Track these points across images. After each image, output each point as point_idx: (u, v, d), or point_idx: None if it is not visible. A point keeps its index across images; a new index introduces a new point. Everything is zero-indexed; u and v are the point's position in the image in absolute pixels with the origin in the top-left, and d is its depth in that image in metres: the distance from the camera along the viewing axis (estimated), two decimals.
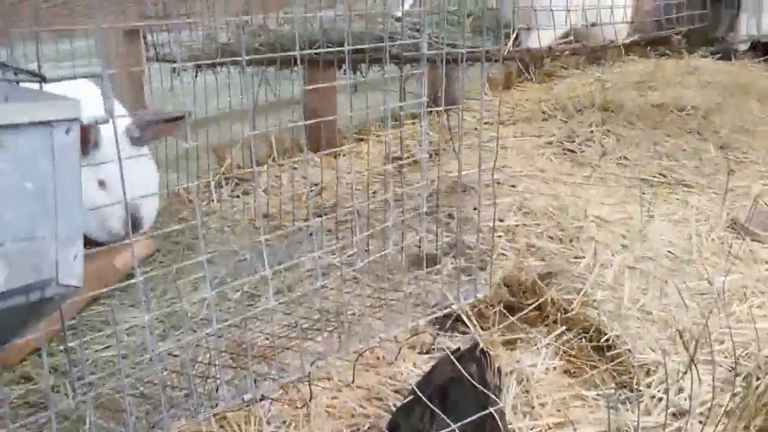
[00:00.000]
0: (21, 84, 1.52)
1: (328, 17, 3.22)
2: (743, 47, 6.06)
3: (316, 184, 4.20)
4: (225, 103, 3.46)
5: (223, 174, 4.31)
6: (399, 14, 2.62)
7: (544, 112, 5.61)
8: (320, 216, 3.57)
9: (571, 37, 3.68)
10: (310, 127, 4.76)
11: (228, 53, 3.27)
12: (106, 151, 2.73)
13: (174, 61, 3.43)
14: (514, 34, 3.24)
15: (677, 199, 3.94)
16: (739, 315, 2.84)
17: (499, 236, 3.47)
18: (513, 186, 4.08)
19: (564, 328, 2.76)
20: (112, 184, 2.78)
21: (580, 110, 5.40)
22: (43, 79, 1.44)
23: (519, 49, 3.46)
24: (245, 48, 2.30)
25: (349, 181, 4.16)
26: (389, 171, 2.71)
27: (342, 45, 2.55)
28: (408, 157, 3.59)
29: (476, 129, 5.24)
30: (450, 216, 3.70)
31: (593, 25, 3.61)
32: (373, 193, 4.07)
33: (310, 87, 3.28)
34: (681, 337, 2.61)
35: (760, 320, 2.77)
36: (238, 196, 4.16)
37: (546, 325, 2.82)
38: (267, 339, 2.52)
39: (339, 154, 4.60)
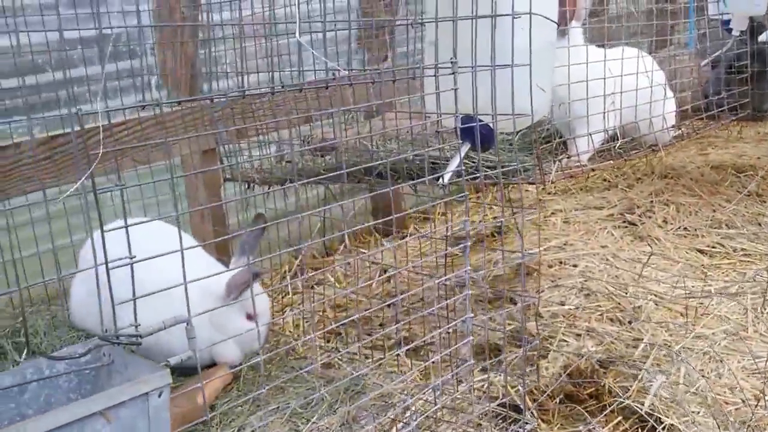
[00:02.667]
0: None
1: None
2: None
3: (385, 270, 4.41)
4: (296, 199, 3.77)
5: (298, 266, 4.58)
6: (445, 182, 2.87)
7: (605, 180, 5.74)
8: (389, 305, 3.79)
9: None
10: (378, 211, 5.03)
11: (298, 175, 3.56)
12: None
13: (248, 181, 3.75)
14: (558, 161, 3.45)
15: (734, 271, 4.04)
16: None
17: (561, 321, 3.62)
18: (575, 265, 4.22)
19: (621, 417, 2.90)
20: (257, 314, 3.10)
21: (639, 178, 5.52)
22: (139, 341, 1.76)
23: (564, 170, 3.68)
24: (311, 172, 2.58)
25: (416, 265, 4.36)
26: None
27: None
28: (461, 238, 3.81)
29: (540, 201, 5.42)
30: (512, 301, 3.86)
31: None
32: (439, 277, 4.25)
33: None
34: (728, 427, 2.72)
35: None
36: (312, 287, 4.40)
37: (605, 415, 2.95)
38: None
39: (405, 236, 4.83)
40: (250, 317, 3.11)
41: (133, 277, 1.95)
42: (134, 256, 1.93)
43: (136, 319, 2.00)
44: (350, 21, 4.32)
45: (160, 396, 1.83)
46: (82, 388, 2.10)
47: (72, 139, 3.40)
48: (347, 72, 2.66)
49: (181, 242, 1.94)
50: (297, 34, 2.34)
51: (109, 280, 1.93)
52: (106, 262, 1.89)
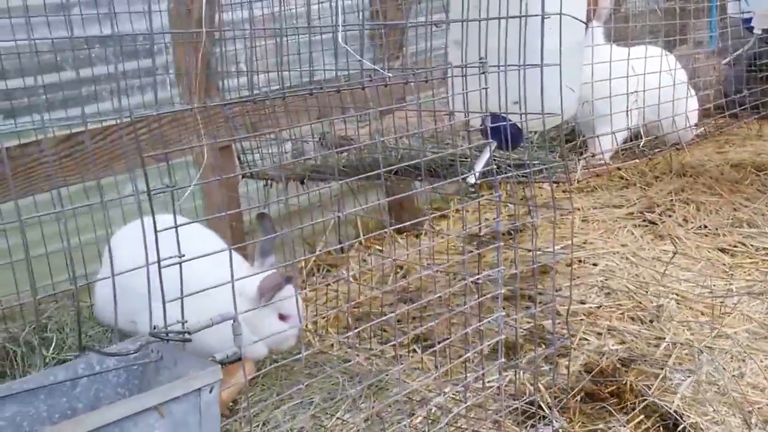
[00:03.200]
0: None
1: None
2: None
3: (401, 267, 4.42)
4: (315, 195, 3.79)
5: (315, 262, 4.60)
6: (473, 180, 2.88)
7: (622, 178, 5.73)
8: (405, 302, 3.80)
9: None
10: (393, 207, 5.04)
11: (315, 171, 3.57)
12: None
13: (266, 179, 3.76)
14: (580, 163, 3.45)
15: (757, 269, 4.03)
16: None
17: (581, 319, 3.62)
18: (595, 264, 4.22)
19: (643, 416, 2.90)
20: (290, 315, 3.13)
21: (658, 177, 5.51)
22: (189, 337, 1.79)
23: (586, 168, 3.68)
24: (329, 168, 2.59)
25: (431, 263, 4.38)
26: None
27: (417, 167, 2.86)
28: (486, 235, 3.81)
29: (555, 199, 5.40)
30: (530, 299, 3.86)
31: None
32: (454, 276, 4.25)
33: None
34: (750, 426, 2.73)
35: None
36: (329, 284, 4.41)
37: (626, 413, 2.95)
38: None
39: (420, 233, 4.85)
40: (282, 317, 3.13)
41: (181, 275, 1.97)
42: (183, 255, 1.96)
43: (183, 316, 2.02)
44: (368, 22, 4.33)
45: (211, 391, 1.88)
46: (130, 383, 2.15)
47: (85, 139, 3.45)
48: (384, 73, 2.66)
49: (229, 243, 1.97)
50: (339, 37, 2.36)
51: (161, 280, 1.96)
52: (159, 261, 1.91)
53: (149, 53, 4.12)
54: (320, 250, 4.63)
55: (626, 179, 5.69)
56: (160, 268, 1.87)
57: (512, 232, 4.81)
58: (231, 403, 3.07)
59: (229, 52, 4.00)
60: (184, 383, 1.84)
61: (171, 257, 1.91)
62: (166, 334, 1.93)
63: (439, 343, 2.89)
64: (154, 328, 1.96)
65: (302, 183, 3.67)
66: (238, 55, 4.06)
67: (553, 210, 2.88)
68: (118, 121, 3.47)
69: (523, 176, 2.91)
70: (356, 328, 3.36)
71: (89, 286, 3.55)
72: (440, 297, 3.83)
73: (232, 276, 1.98)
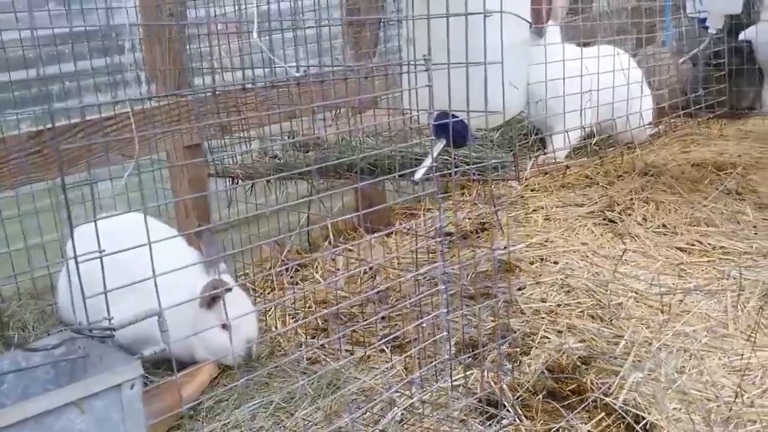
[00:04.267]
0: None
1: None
2: None
3: (371, 267, 4.42)
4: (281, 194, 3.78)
5: (283, 261, 4.58)
6: (417, 178, 2.87)
7: (586, 177, 5.76)
8: (374, 302, 3.81)
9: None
10: (363, 208, 5.04)
11: (280, 170, 3.57)
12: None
13: (232, 177, 3.75)
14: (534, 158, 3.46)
15: (714, 268, 4.07)
16: None
17: (542, 317, 3.63)
18: (555, 262, 4.24)
19: (603, 414, 2.91)
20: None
21: (621, 175, 5.55)
22: (112, 333, 1.77)
23: (541, 166, 3.71)
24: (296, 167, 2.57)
25: (401, 262, 4.39)
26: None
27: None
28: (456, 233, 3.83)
29: (522, 197, 5.44)
30: (493, 296, 3.87)
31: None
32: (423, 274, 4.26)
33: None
34: (710, 423, 2.75)
35: None
36: (297, 283, 4.40)
37: (587, 411, 2.96)
38: None
39: (390, 234, 4.85)
40: (224, 327, 3.08)
41: (103, 270, 1.97)
42: (104, 250, 1.94)
43: (109, 312, 2.00)
44: (324, 18, 4.32)
45: (132, 387, 1.84)
46: (60, 380, 2.11)
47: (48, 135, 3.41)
48: (294, 73, 2.65)
49: (148, 236, 1.95)
50: (255, 34, 2.35)
51: (78, 275, 1.95)
52: (75, 257, 1.90)
53: (120, 50, 4.10)
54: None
55: (590, 178, 5.72)
56: (77, 263, 1.86)
57: (479, 230, 4.84)
58: (194, 403, 3.05)
59: (198, 50, 3.99)
60: (104, 379, 1.81)
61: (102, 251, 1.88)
62: (89, 330, 1.90)
63: (395, 338, 2.89)
64: (79, 324, 1.94)
65: (268, 182, 3.67)
66: (207, 53, 4.05)
67: (499, 209, 2.87)
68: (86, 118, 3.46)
69: (479, 174, 2.91)
70: (324, 328, 3.37)
71: (53, 285, 3.53)
72: (405, 297, 3.85)
73: (154, 272, 1.96)
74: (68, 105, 3.83)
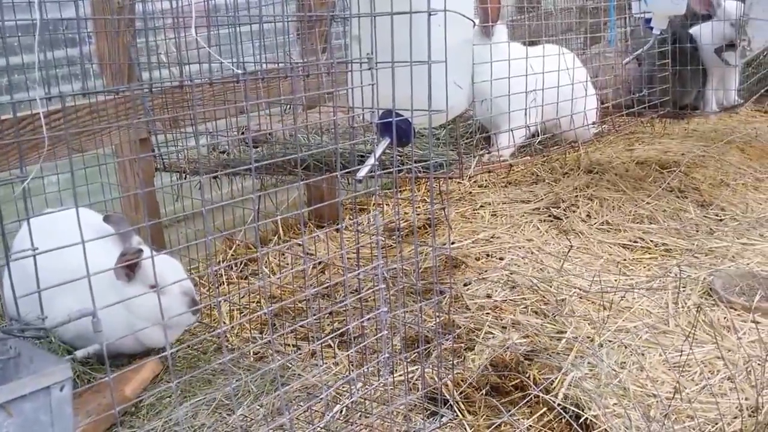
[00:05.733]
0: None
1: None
2: (714, 116, 6.36)
3: (320, 262, 4.41)
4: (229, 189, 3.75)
5: (232, 256, 4.57)
6: (360, 177, 2.88)
7: (533, 174, 5.83)
8: (322, 296, 3.82)
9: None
10: (313, 204, 5.07)
11: (228, 165, 3.56)
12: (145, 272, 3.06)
13: (179, 172, 3.73)
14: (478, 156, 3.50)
15: (656, 265, 4.14)
16: (709, 389, 3.02)
17: (487, 313, 3.66)
18: (501, 258, 4.28)
19: (545, 408, 2.95)
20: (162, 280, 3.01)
21: (566, 173, 5.62)
22: (45, 334, 1.75)
23: (485, 164, 3.75)
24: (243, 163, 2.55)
25: (350, 257, 4.38)
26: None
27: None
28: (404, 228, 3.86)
29: (470, 194, 5.49)
30: (440, 293, 3.89)
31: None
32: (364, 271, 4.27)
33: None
34: (649, 419, 2.80)
35: (730, 393, 2.97)
36: (246, 278, 4.39)
37: (529, 406, 3.00)
38: None
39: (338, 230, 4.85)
40: (153, 287, 3.03)
41: (36, 269, 1.95)
42: (37, 248, 1.93)
43: (42, 311, 1.99)
44: (261, 15, 4.30)
45: (62, 390, 1.81)
46: None
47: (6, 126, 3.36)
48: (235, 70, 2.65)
49: (81, 233, 1.92)
50: (193, 31, 2.33)
51: (9, 273, 1.93)
52: (6, 255, 1.88)
53: (73, 42, 4.05)
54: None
55: (537, 175, 5.79)
56: (8, 261, 1.84)
57: (426, 226, 4.86)
58: (135, 400, 3.03)
59: (151, 43, 3.95)
60: (32, 381, 1.78)
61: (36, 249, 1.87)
62: (21, 330, 1.88)
63: (342, 334, 2.90)
64: (11, 323, 1.92)
65: (215, 177, 3.65)
66: (160, 47, 4.02)
67: (442, 205, 2.90)
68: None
69: (424, 171, 2.93)
70: (273, 324, 3.36)
71: None
72: (355, 292, 3.86)
73: (88, 271, 1.94)
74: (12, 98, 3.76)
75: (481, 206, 5.21)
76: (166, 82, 3.77)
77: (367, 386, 2.94)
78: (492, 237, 4.59)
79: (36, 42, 2.13)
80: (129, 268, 3.00)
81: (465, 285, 3.97)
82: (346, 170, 2.77)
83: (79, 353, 1.95)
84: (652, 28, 4.73)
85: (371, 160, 2.88)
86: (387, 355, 2.74)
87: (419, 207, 5.25)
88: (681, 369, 3.14)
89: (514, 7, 4.24)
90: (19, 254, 1.86)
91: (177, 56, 3.69)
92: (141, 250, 2.99)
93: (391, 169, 2.64)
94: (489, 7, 3.84)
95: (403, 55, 2.45)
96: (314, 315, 3.47)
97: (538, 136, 4.25)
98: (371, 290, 2.86)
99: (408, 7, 2.37)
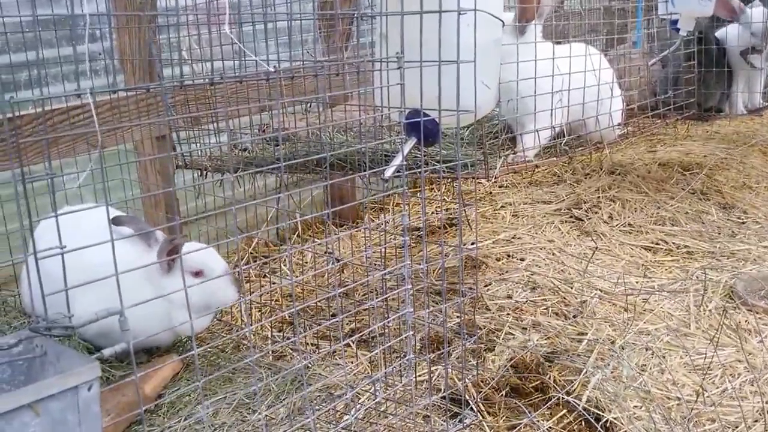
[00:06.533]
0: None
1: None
2: (737, 119, 6.34)
3: (338, 260, 4.41)
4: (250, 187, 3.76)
5: (251, 254, 4.58)
6: (386, 176, 2.88)
7: (554, 174, 5.81)
8: (339, 296, 3.81)
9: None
10: (333, 202, 5.06)
11: (250, 163, 3.57)
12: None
13: (200, 169, 3.74)
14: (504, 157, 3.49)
15: (677, 267, 4.12)
16: (731, 392, 3.00)
17: (507, 314, 3.65)
18: (522, 259, 4.27)
19: (565, 410, 2.94)
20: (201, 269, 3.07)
21: (588, 174, 5.59)
22: (72, 332, 1.75)
23: (510, 165, 3.74)
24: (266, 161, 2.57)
25: (369, 256, 4.39)
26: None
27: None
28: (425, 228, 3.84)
29: (490, 194, 5.47)
30: (460, 294, 3.87)
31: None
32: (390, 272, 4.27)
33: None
34: (669, 422, 2.78)
35: (752, 396, 2.95)
36: (265, 275, 4.39)
37: (549, 408, 2.99)
38: None
39: (356, 228, 4.85)
40: (197, 274, 3.05)
41: (64, 267, 1.95)
42: (65, 246, 1.92)
43: (69, 309, 1.99)
44: (290, 12, 4.31)
45: (89, 389, 1.81)
46: (16, 379, 2.06)
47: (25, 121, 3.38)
48: (267, 68, 2.65)
49: (111, 234, 1.92)
50: (227, 28, 2.33)
51: (38, 272, 1.93)
52: (35, 254, 1.88)
53: (91, 38, 4.06)
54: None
55: (558, 176, 5.77)
56: (36, 260, 1.84)
57: (446, 226, 4.86)
58: (156, 398, 3.04)
59: (171, 40, 3.96)
60: (61, 380, 1.77)
61: (64, 247, 1.87)
62: (48, 329, 1.88)
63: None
64: (38, 322, 1.92)
65: (240, 176, 3.67)
66: (181, 43, 4.03)
67: (463, 206, 2.89)
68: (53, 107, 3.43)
69: (450, 171, 2.92)
70: (291, 322, 3.35)
71: (16, 276, 3.50)
72: (374, 291, 3.87)
73: (116, 269, 1.93)
74: (33, 94, 3.78)
75: (502, 206, 5.20)
76: (196, 79, 3.78)
77: (389, 387, 2.94)
78: (513, 237, 4.57)
79: (86, 34, 2.13)
80: (169, 252, 3.00)
81: (485, 285, 3.96)
82: (373, 170, 2.76)
83: (107, 351, 1.94)
84: (678, 30, 4.71)
85: (397, 160, 2.87)
86: (412, 355, 2.73)
87: (439, 207, 5.25)
88: (704, 372, 3.12)
89: (552, 6, 4.21)
90: (46, 252, 1.86)
91: (200, 53, 3.71)
92: (181, 242, 2.98)
93: (417, 170, 2.63)
94: (526, 6, 3.83)
95: (429, 54, 2.44)
96: (337, 315, 3.47)
97: (563, 136, 4.23)
98: (397, 290, 2.86)
99: (437, 6, 2.36)
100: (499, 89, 3.52)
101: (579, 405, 2.92)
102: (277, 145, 3.80)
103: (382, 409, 2.90)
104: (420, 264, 2.89)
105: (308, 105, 4.18)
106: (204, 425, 2.75)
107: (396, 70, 2.44)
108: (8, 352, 1.97)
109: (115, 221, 3.05)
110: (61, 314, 1.94)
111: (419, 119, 2.57)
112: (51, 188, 1.84)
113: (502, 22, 2.99)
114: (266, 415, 2.85)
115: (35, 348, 1.98)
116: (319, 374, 3.18)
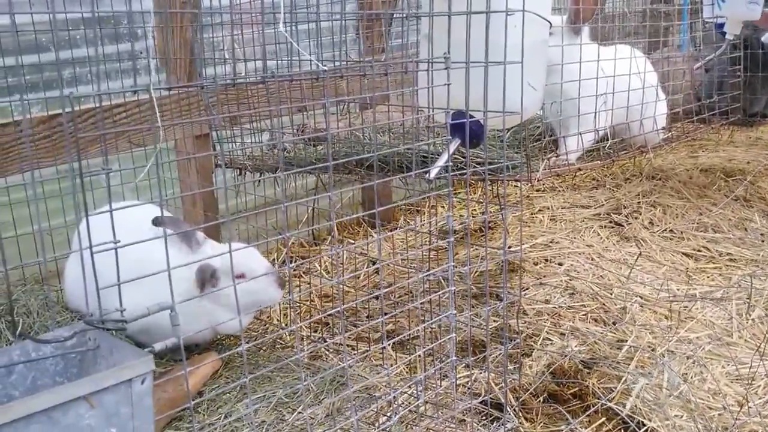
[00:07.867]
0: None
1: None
2: None
3: (373, 262, 4.41)
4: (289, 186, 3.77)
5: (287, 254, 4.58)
6: (431, 176, 2.86)
7: (593, 179, 5.76)
8: (377, 297, 3.80)
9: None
10: (367, 203, 5.06)
11: (290, 163, 3.57)
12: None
13: (239, 168, 3.75)
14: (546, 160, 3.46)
15: (720, 274, 4.06)
16: None
17: (545, 319, 3.62)
18: (560, 263, 4.23)
19: (604, 418, 2.90)
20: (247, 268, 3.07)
21: (628, 178, 5.54)
22: (124, 326, 1.76)
23: (552, 167, 3.70)
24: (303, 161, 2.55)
25: (404, 257, 4.37)
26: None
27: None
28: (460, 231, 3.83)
29: (528, 197, 5.43)
30: (498, 297, 3.86)
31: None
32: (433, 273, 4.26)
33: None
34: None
35: None
36: (300, 276, 4.39)
37: (588, 415, 2.96)
38: None
39: (395, 228, 4.85)
40: (239, 277, 3.06)
41: (117, 262, 1.94)
42: (119, 241, 1.92)
43: (121, 304, 1.99)
44: (343, 12, 4.30)
45: (143, 383, 1.83)
46: (68, 371, 2.09)
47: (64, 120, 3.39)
48: (334, 65, 2.63)
49: (165, 232, 1.93)
50: (282, 26, 2.32)
51: (93, 265, 1.92)
52: (91, 247, 1.88)
53: (131, 36, 4.09)
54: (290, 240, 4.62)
55: (597, 180, 5.72)
56: (92, 254, 1.84)
57: (482, 229, 4.83)
58: (196, 395, 3.05)
59: (213, 39, 3.97)
60: (115, 373, 1.80)
61: (117, 242, 1.88)
62: (101, 322, 1.89)
63: (396, 335, 2.88)
64: (91, 316, 1.93)
65: (281, 175, 3.68)
66: (222, 42, 4.04)
67: (505, 209, 2.87)
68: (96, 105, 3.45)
69: (491, 173, 2.90)
70: (326, 323, 3.35)
71: (59, 271, 3.52)
72: (410, 293, 3.85)
73: (168, 265, 1.95)
74: (82, 91, 3.81)
75: (540, 210, 5.16)
76: (241, 79, 3.78)
77: (429, 390, 2.92)
78: (551, 242, 4.54)
79: (148, 29, 2.14)
80: (209, 276, 3.02)
81: (523, 290, 3.93)
82: (418, 170, 2.74)
83: (157, 346, 1.95)
84: (724, 34, 4.65)
85: (441, 161, 2.86)
86: (454, 358, 2.72)
87: (476, 210, 5.22)
88: (748, 382, 3.07)
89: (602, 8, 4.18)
90: (101, 247, 1.86)
91: (242, 53, 3.71)
92: (215, 270, 2.99)
93: (463, 171, 2.62)
94: (581, 8, 3.80)
95: (474, 55, 2.42)
96: (376, 316, 3.46)
97: (607, 140, 4.19)
98: (439, 292, 2.84)
99: (485, 7, 2.34)
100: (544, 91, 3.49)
101: (622, 412, 2.88)
102: (316, 146, 3.80)
103: (421, 412, 2.89)
104: (461, 266, 2.87)
105: (346, 105, 4.18)
106: (245, 423, 2.75)
107: (443, 70, 2.42)
108: (62, 345, 2.00)
109: (155, 222, 3.06)
110: (113, 309, 1.94)
111: (465, 120, 2.55)
112: (107, 183, 1.86)
113: (550, 23, 2.96)
114: (309, 416, 2.84)
115: (88, 341, 2.00)
116: (359, 375, 3.17)
